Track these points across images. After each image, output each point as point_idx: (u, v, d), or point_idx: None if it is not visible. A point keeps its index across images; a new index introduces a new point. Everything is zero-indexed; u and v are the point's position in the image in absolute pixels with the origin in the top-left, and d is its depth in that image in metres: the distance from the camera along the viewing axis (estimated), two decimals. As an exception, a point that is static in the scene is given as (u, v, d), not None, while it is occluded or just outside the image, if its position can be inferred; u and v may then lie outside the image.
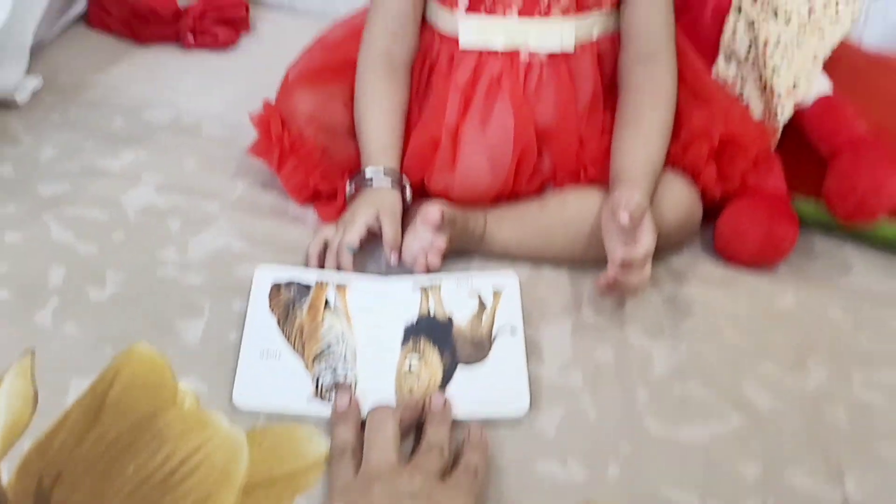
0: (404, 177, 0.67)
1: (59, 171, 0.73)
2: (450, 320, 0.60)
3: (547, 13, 0.66)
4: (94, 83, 0.87)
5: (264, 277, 0.62)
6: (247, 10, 1.00)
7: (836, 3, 0.74)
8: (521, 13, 0.66)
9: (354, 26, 0.75)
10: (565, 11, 0.66)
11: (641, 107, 0.66)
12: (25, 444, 0.50)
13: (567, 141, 0.68)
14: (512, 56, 0.67)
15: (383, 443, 0.49)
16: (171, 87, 0.88)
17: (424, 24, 0.71)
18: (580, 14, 0.67)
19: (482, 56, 0.67)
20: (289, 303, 0.60)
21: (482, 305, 0.61)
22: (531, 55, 0.67)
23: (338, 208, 0.69)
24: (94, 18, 0.98)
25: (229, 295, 0.62)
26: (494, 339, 0.59)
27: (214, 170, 0.76)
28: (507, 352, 0.58)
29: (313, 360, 0.57)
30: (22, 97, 0.82)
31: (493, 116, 0.66)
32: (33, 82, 0.84)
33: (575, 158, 0.67)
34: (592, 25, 0.68)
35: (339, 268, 0.63)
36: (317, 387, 0.55)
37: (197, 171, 0.75)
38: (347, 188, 0.68)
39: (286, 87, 0.75)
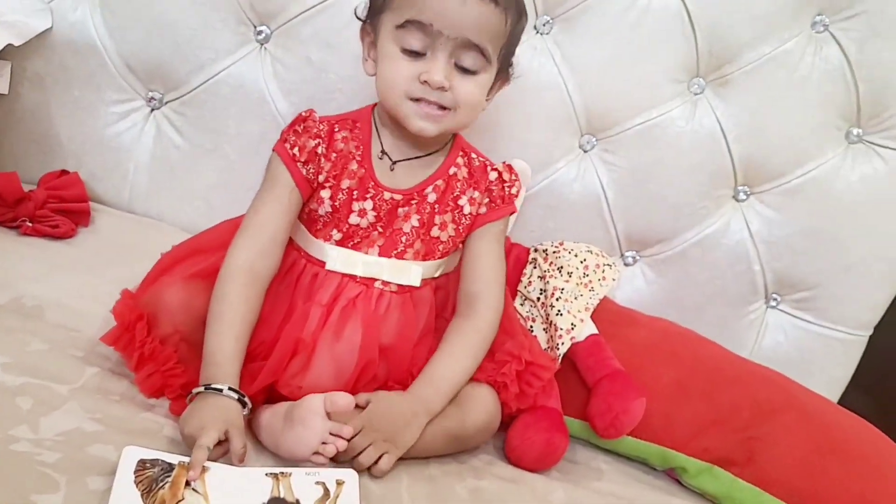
0: (245, 396, 0.79)
1: None
2: (297, 501, 0.74)
3: (401, 256, 0.89)
4: (-74, 257, 0.94)
5: (131, 455, 0.72)
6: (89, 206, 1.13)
7: (603, 269, 1.07)
8: (380, 253, 0.88)
9: (223, 234, 0.91)
10: (415, 256, 0.90)
11: (461, 335, 0.89)
12: None
13: (402, 357, 0.88)
14: (367, 283, 0.88)
15: None
16: (6, 269, 0.97)
17: (290, 242, 0.90)
18: (427, 260, 0.90)
19: (343, 279, 0.87)
20: (153, 479, 0.70)
21: (326, 493, 0.76)
22: (384, 284, 0.88)
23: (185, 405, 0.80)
24: (-80, 194, 1.05)
25: (84, 473, 0.70)
26: None
27: (61, 354, 0.85)
28: None
29: (173, 534, 0.67)
30: None
31: (345, 333, 0.85)
32: None
33: (406, 371, 0.88)
34: (437, 268, 0.92)
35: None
36: (174, 554, 0.65)
37: (43, 354, 0.84)
38: (195, 390, 0.78)
39: (154, 277, 0.89)
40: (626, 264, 1.23)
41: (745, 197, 1.20)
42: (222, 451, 0.76)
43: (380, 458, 0.81)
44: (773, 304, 1.24)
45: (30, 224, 1.06)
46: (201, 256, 0.90)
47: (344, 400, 0.79)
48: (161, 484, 0.71)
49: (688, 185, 1.19)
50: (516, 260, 1.07)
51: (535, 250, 1.07)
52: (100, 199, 1.18)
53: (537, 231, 1.17)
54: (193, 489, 0.71)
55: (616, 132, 1.18)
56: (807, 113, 1.16)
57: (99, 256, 1.06)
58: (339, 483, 0.77)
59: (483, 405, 0.88)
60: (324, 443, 0.78)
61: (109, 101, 1.16)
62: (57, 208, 1.09)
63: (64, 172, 1.14)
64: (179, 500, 0.70)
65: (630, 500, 0.92)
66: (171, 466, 0.73)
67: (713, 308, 1.23)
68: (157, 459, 0.73)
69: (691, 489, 0.99)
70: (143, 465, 0.72)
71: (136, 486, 0.69)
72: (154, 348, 0.82)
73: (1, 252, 1.00)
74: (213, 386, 0.78)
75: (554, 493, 0.89)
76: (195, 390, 0.79)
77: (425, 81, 0.82)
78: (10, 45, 1.05)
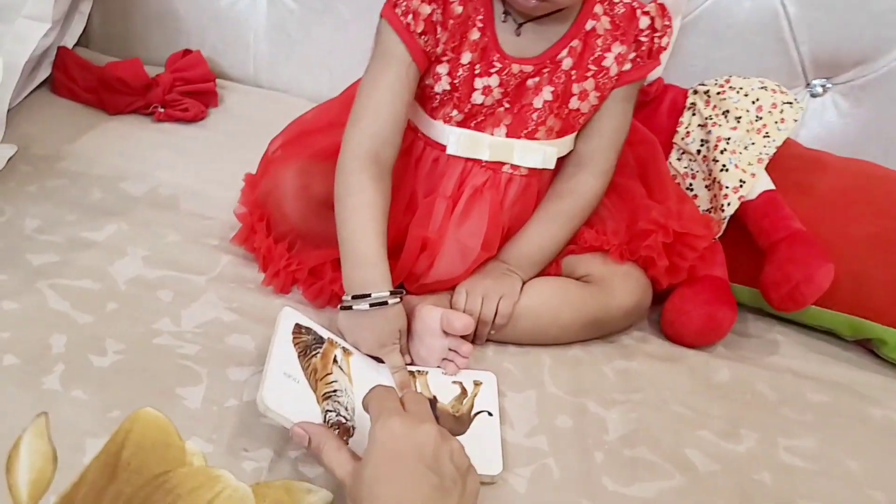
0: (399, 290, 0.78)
1: (46, 242, 0.85)
2: (434, 398, 0.75)
3: (531, 136, 0.82)
4: (67, 154, 1.00)
5: (289, 316, 0.75)
6: (215, 84, 1.16)
7: (781, 108, 0.94)
8: (507, 134, 0.82)
9: (335, 110, 0.89)
10: (548, 133, 0.82)
11: (558, 200, 0.84)
12: (51, 500, 0.61)
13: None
14: (495, 168, 0.82)
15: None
16: (143, 159, 1.02)
17: (407, 124, 0.84)
18: (563, 136, 0.83)
19: (467, 164, 0.82)
20: (307, 345, 0.74)
21: (464, 392, 0.77)
22: (513, 168, 0.83)
23: (319, 288, 0.83)
24: (59, 86, 1.11)
25: (224, 363, 0.75)
26: (474, 417, 0.74)
27: (196, 244, 0.89)
28: (485, 428, 0.73)
29: (323, 398, 0.70)
30: (-2, 165, 0.94)
31: (470, 220, 0.81)
32: (8, 151, 0.97)
33: None
34: (569, 144, 0.85)
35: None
36: (324, 419, 0.68)
37: (180, 245, 0.89)
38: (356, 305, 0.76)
39: (269, 162, 0.89)
40: (812, 95, 1.07)
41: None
42: None
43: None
44: None
45: (162, 110, 1.10)
46: (315, 136, 0.88)
47: (460, 323, 0.78)
48: (314, 352, 0.74)
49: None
50: (672, 106, 0.96)
51: (695, 92, 0.96)
52: (226, 75, 1.20)
53: (699, 65, 1.05)
54: (339, 367, 0.74)
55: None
56: None
57: (229, 138, 1.09)
58: (477, 384, 0.78)
59: (628, 286, 0.83)
60: (445, 359, 0.79)
61: (220, -28, 1.15)
62: (185, 90, 1.12)
63: (187, 52, 1.16)
64: (328, 373, 0.73)
65: (811, 377, 0.85)
66: (321, 338, 0.75)
67: (930, 138, 1.06)
68: (311, 329, 0.76)
69: (890, 361, 0.90)
70: (298, 329, 0.75)
71: (294, 347, 0.73)
72: (273, 248, 0.84)
73: (137, 141, 1.05)
74: (377, 297, 0.75)
75: (717, 371, 0.84)
76: (357, 305, 0.75)
77: None
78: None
